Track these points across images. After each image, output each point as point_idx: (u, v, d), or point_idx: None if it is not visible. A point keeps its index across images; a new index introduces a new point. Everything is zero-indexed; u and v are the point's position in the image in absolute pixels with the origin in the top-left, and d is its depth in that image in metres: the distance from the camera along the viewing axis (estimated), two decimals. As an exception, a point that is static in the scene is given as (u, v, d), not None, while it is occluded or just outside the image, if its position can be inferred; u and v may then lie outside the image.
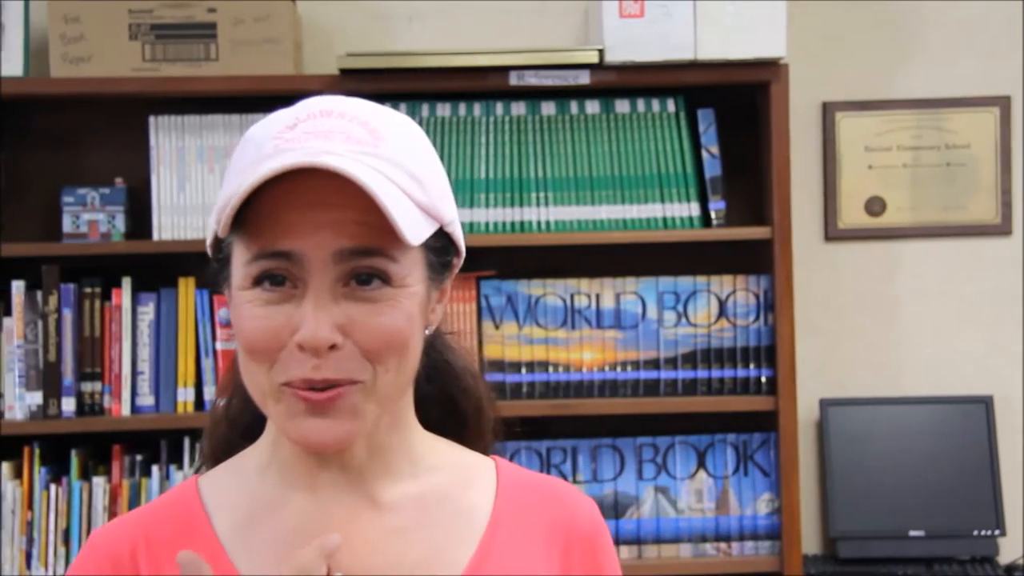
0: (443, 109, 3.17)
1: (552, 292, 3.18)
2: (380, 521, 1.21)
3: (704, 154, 3.18)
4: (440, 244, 1.20)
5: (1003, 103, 3.42)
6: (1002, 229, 3.43)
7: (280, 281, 1.13)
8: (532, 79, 3.09)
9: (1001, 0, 3.42)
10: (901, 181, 3.42)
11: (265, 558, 1.20)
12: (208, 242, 1.21)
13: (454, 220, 1.21)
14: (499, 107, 3.18)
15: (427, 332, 1.21)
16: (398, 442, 1.23)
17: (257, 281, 1.14)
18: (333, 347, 1.12)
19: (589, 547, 1.28)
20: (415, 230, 1.12)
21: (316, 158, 1.10)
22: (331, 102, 1.18)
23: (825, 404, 3.34)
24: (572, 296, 3.18)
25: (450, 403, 1.33)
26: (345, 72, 3.09)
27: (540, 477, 1.32)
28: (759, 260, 3.21)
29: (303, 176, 1.10)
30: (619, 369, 3.16)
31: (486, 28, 3.37)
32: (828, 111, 3.41)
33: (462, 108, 3.18)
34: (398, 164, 1.15)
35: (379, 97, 3.02)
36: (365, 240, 1.12)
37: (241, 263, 1.15)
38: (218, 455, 1.31)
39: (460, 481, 1.26)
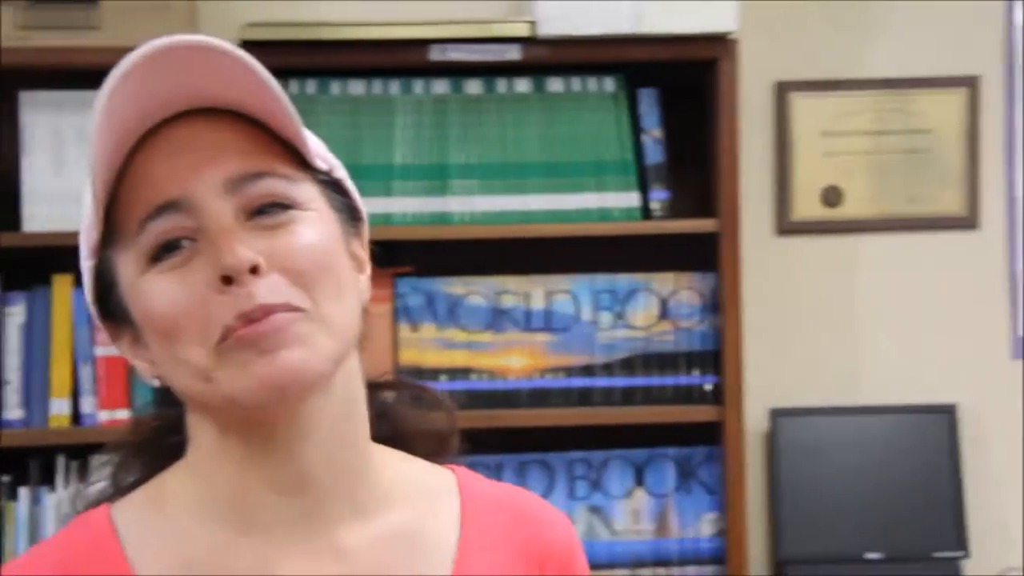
0: (357, 86, 3.10)
1: (476, 291, 3.12)
2: (340, 570, 1.16)
3: (645, 138, 3.12)
4: (330, 180, 1.17)
5: (971, 84, 3.34)
6: (969, 222, 3.36)
7: (177, 245, 1.09)
8: (455, 54, 3.03)
9: (971, -28, 3.39)
10: (861, 169, 3.36)
11: None
12: (86, 279, 1.16)
13: (337, 166, 1.19)
14: (418, 85, 3.10)
15: (363, 301, 1.17)
16: (354, 457, 1.17)
17: (154, 258, 1.10)
18: (255, 270, 1.07)
19: (564, 569, 1.27)
20: (305, 135, 1.12)
21: (169, 41, 1.06)
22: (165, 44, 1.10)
23: (776, 414, 3.29)
24: (498, 295, 3.12)
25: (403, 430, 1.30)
26: (247, 44, 2.93)
27: (507, 492, 1.29)
28: (705, 256, 3.14)
29: (164, 129, 1.09)
30: (549, 376, 3.12)
31: (405, -4, 3.27)
32: (781, 91, 3.34)
33: (377, 85, 3.10)
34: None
35: (285, 72, 2.91)
36: (250, 165, 1.11)
37: (130, 251, 1.11)
38: (135, 483, 1.23)
39: (422, 511, 1.22)
